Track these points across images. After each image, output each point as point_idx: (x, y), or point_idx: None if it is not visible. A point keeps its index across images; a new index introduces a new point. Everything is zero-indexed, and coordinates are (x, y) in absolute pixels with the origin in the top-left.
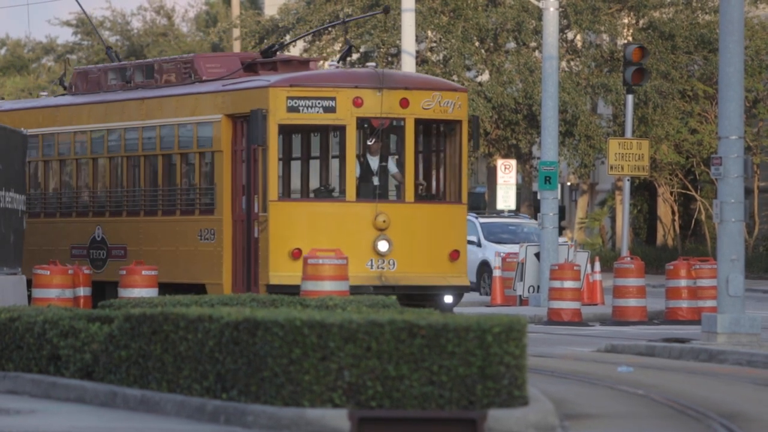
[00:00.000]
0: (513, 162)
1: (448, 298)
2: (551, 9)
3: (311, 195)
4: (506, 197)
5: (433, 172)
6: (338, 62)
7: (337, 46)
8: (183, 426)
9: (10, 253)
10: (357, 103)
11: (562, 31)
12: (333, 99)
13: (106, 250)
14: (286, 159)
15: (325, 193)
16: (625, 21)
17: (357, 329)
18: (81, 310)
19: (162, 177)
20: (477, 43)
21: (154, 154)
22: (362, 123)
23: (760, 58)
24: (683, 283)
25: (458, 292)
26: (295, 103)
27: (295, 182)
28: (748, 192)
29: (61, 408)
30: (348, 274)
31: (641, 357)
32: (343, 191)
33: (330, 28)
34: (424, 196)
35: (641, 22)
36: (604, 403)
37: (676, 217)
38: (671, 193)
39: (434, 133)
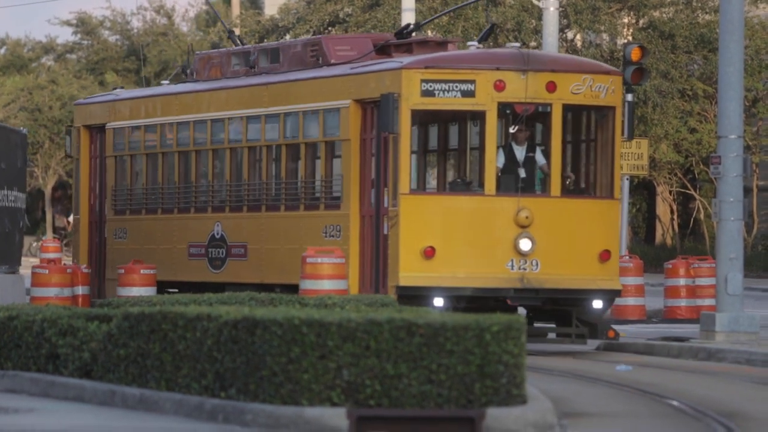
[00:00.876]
0: None
1: (598, 304)
2: (551, 8)
3: (446, 188)
4: None
5: (582, 164)
6: (479, 42)
7: None
8: (181, 425)
9: (14, 251)
10: (498, 86)
11: (562, 30)
12: (472, 82)
13: (226, 248)
14: (419, 148)
15: (461, 185)
16: (625, 20)
17: (356, 328)
18: (79, 308)
19: (285, 168)
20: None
21: (277, 143)
22: (504, 109)
23: (759, 57)
24: (682, 281)
25: (609, 296)
26: (430, 86)
27: (429, 174)
28: (746, 191)
29: (59, 407)
30: (479, 275)
31: (640, 356)
32: (481, 184)
33: (330, 28)
34: (572, 189)
35: (641, 21)
36: (603, 402)
37: (675, 216)
38: (670, 192)
39: (584, 121)
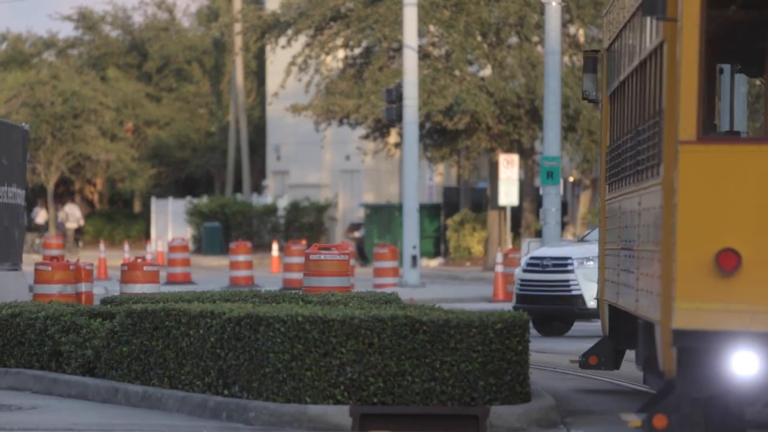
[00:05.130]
0: (515, 157)
1: None
2: (553, 3)
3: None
4: (508, 193)
5: None
6: None
7: (339, 41)
8: (185, 422)
9: (13, 248)
10: None
11: (564, 25)
12: None
13: (619, 253)
14: (716, 58)
15: None
16: None
17: (359, 325)
18: (83, 306)
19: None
20: (479, 38)
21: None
22: None
23: None
24: None
25: None
26: None
27: (735, 109)
28: None
29: (62, 404)
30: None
31: None
32: None
33: (331, 23)
34: None
35: None
36: (607, 400)
37: None
38: None
39: None
